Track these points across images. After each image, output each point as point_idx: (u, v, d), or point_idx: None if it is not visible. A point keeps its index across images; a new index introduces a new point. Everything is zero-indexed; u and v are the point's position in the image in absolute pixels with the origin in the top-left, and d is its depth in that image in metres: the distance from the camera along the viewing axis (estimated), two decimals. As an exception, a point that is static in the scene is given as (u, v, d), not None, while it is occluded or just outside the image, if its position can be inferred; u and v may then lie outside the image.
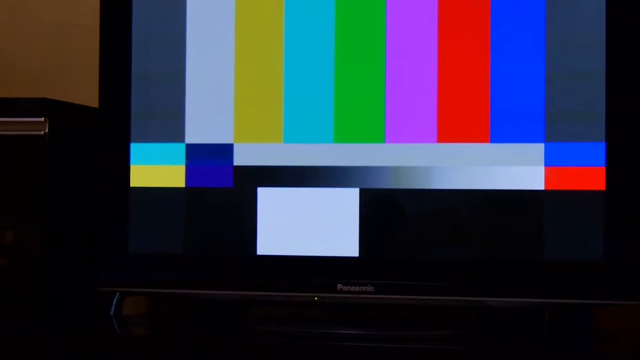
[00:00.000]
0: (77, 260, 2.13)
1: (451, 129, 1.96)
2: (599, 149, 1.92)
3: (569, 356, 1.87)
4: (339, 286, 1.98)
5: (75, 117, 2.15)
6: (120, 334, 2.11)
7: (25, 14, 2.49)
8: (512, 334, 2.06)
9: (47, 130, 1.99)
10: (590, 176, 1.92)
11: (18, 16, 2.49)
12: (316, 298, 2.00)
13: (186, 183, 2.04)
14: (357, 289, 1.97)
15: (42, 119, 1.99)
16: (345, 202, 1.99)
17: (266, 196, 2.01)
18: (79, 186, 2.13)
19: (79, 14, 2.46)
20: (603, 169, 1.92)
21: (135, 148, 2.05)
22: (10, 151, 2.01)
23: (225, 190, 2.03)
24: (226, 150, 2.03)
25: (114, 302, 2.21)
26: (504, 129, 1.94)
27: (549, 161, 1.93)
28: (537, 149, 1.93)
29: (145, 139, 2.05)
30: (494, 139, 1.95)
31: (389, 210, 1.99)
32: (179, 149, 2.04)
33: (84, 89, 2.38)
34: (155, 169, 2.05)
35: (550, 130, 1.93)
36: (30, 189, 2.01)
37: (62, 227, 2.08)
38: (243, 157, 2.02)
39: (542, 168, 1.93)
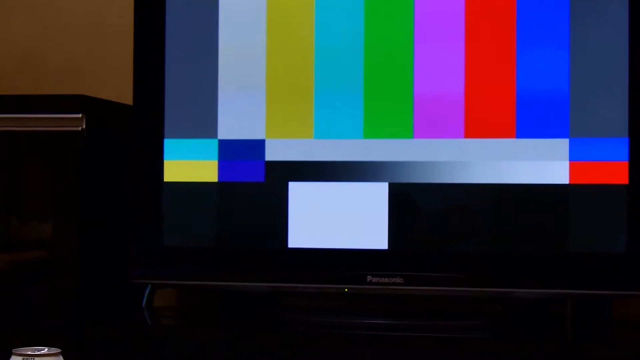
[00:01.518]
0: (112, 253, 2.18)
1: (478, 124, 2.01)
2: (622, 145, 1.97)
3: (591, 345, 1.92)
4: (369, 278, 2.03)
5: (110, 114, 2.20)
6: (155, 324, 2.16)
7: (56, 14, 2.54)
8: (536, 324, 2.12)
9: (84, 126, 2.04)
10: (614, 170, 1.97)
11: (49, 16, 2.54)
12: (346, 289, 2.05)
13: (219, 178, 2.09)
14: (386, 280, 2.03)
15: (80, 115, 2.04)
16: (374, 196, 2.04)
17: (297, 190, 2.07)
18: (114, 181, 2.18)
19: (109, 14, 2.51)
20: (626, 164, 1.97)
21: (169, 144, 2.11)
22: (48, 146, 2.06)
23: (257, 184, 2.09)
24: (258, 145, 2.08)
25: (146, 295, 2.26)
26: (529, 125, 2.00)
27: (574, 156, 1.98)
28: (562, 145, 1.98)
29: (179, 135, 2.11)
30: (520, 135, 2.00)
31: (417, 204, 2.05)
32: (212, 145, 2.10)
33: (113, 87, 2.43)
34: (188, 164, 2.10)
35: (575, 126, 1.98)
36: (68, 183, 2.06)
37: (98, 221, 2.13)
38: (274, 152, 2.07)
39: (567, 163, 1.98)
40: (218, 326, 2.06)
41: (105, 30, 2.51)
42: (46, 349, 1.20)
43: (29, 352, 1.18)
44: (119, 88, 2.39)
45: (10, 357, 1.19)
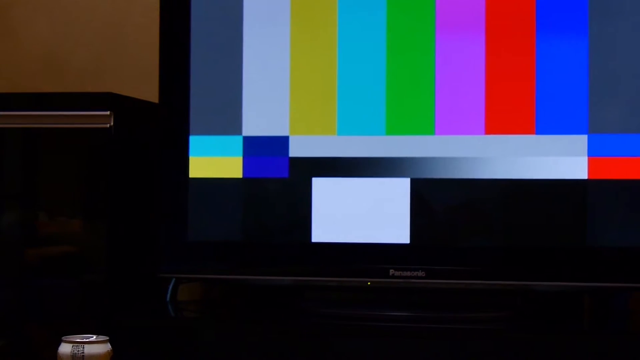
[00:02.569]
0: (138, 247, 2.23)
1: (498, 121, 2.06)
2: (640, 140, 2.02)
3: (608, 336, 1.97)
4: (391, 271, 2.07)
5: (137, 111, 2.25)
6: (181, 317, 2.21)
7: (78, 15, 2.58)
8: (554, 316, 2.16)
9: (112, 123, 2.08)
10: (632, 166, 2.02)
11: (72, 17, 2.59)
12: (369, 283, 2.09)
13: (243, 174, 2.14)
14: (408, 273, 2.07)
15: (108, 112, 2.08)
16: (396, 192, 2.08)
17: (320, 186, 2.11)
18: (140, 177, 2.23)
19: (131, 13, 2.55)
20: (644, 159, 2.02)
21: (194, 141, 2.15)
22: (77, 143, 2.11)
23: (281, 180, 2.13)
24: (282, 142, 2.13)
25: (170, 289, 2.30)
26: (548, 121, 2.04)
27: (592, 152, 2.03)
28: (581, 141, 2.03)
29: (204, 131, 2.15)
30: (539, 131, 2.04)
31: (438, 199, 2.09)
32: (237, 142, 2.14)
33: (135, 85, 2.47)
34: (213, 160, 2.15)
35: (594, 122, 2.03)
36: (96, 179, 2.10)
37: (125, 216, 2.18)
38: (298, 148, 2.12)
39: (586, 158, 2.03)
40: (242, 318, 2.10)
41: (128, 30, 2.56)
42: (94, 337, 1.24)
43: (78, 340, 1.23)
44: (141, 86, 2.43)
45: (59, 345, 1.23)
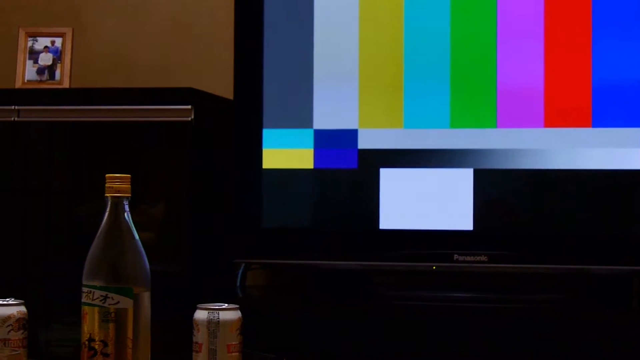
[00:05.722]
0: (214, 234, 2.36)
1: (557, 115, 2.19)
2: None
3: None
4: (455, 256, 2.20)
5: (214, 106, 2.37)
6: (260, 300, 2.34)
7: (146, 16, 2.71)
8: (606, 298, 2.29)
9: (193, 117, 2.21)
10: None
11: (140, 16, 2.72)
12: (434, 267, 2.22)
13: (314, 165, 2.27)
14: (471, 258, 2.20)
15: (189, 106, 2.21)
16: (460, 181, 2.21)
17: (388, 176, 2.24)
18: (218, 167, 2.36)
19: (198, 13, 2.68)
20: (695, 150, 2.15)
21: (267, 133, 2.28)
22: (160, 135, 2.24)
23: (350, 171, 2.26)
24: (351, 135, 2.26)
25: (239, 274, 2.42)
26: (604, 115, 2.17)
27: (647, 143, 2.16)
28: (636, 133, 2.16)
29: (276, 125, 2.28)
30: (596, 124, 2.17)
31: (500, 189, 2.22)
32: (308, 135, 2.27)
33: (202, 83, 2.60)
34: (285, 152, 2.28)
35: (648, 115, 2.17)
36: (178, 170, 2.23)
37: (204, 204, 2.30)
38: (367, 141, 2.25)
39: (640, 149, 2.17)
40: (314, 301, 2.23)
41: (194, 30, 2.68)
42: (225, 305, 1.37)
43: (213, 307, 1.35)
44: (208, 83, 2.55)
45: (195, 311, 1.35)
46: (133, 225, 1.29)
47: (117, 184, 1.28)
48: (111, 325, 1.24)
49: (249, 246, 2.29)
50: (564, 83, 2.18)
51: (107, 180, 1.28)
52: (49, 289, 2.31)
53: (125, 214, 1.28)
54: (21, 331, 1.40)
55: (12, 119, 2.28)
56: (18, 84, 2.41)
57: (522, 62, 2.20)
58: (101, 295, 1.24)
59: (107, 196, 1.28)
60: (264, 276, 2.55)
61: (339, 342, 2.13)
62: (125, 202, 1.29)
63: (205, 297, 2.24)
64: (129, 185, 1.28)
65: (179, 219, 2.23)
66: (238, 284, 2.42)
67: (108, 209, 1.28)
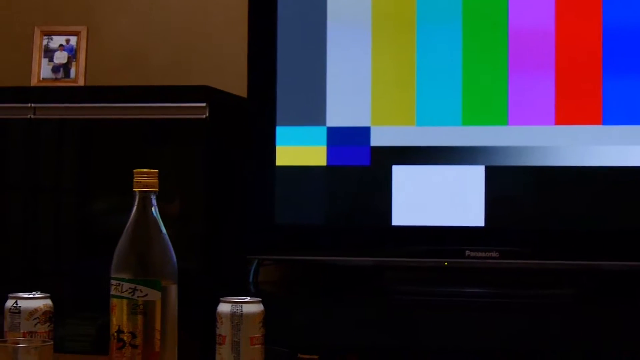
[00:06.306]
0: (228, 231, 2.38)
1: (567, 112, 2.21)
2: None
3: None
4: (467, 252, 2.23)
5: (228, 103, 2.40)
6: (274, 294, 2.36)
7: (158, 14, 2.74)
8: (615, 294, 2.32)
9: (207, 115, 2.24)
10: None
11: (152, 15, 2.74)
12: (446, 263, 2.25)
13: (327, 162, 2.29)
14: (483, 254, 2.22)
15: (204, 104, 2.24)
16: (472, 178, 2.24)
17: (400, 173, 2.27)
18: (232, 164, 2.39)
19: (210, 12, 2.70)
20: None
21: (281, 131, 2.31)
22: (175, 133, 2.26)
23: (362, 168, 2.28)
24: (364, 132, 2.28)
25: (252, 270, 2.45)
26: (614, 112, 2.20)
27: (656, 141, 2.19)
28: (646, 130, 2.19)
29: (290, 123, 2.31)
30: (606, 122, 2.20)
31: (511, 185, 2.25)
32: (321, 132, 2.29)
33: (214, 80, 2.62)
34: (298, 149, 2.30)
35: (657, 113, 2.20)
36: (192, 167, 2.26)
37: (219, 201, 2.33)
38: (379, 138, 2.27)
39: (650, 147, 2.19)
40: (327, 297, 2.26)
41: (207, 28, 2.71)
42: (248, 298, 1.39)
43: (236, 300, 1.38)
44: (219, 81, 2.57)
45: (218, 304, 1.38)
46: (160, 220, 1.31)
47: (145, 178, 1.30)
48: (139, 317, 1.27)
49: (262, 242, 2.32)
50: (574, 81, 2.21)
51: (135, 175, 1.31)
52: (61, 286, 2.34)
53: (153, 208, 1.31)
54: (47, 324, 1.43)
55: (29, 116, 2.31)
56: (33, 82, 2.43)
57: (533, 60, 2.22)
58: (130, 288, 1.26)
59: (135, 191, 1.31)
60: (276, 272, 2.57)
61: (352, 337, 2.16)
62: (153, 197, 1.31)
63: (218, 293, 2.27)
64: (157, 180, 1.31)
65: (193, 215, 2.26)
66: (251, 279, 2.45)
67: (136, 204, 1.31)
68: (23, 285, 2.27)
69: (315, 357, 2.16)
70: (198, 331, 2.15)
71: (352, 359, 2.19)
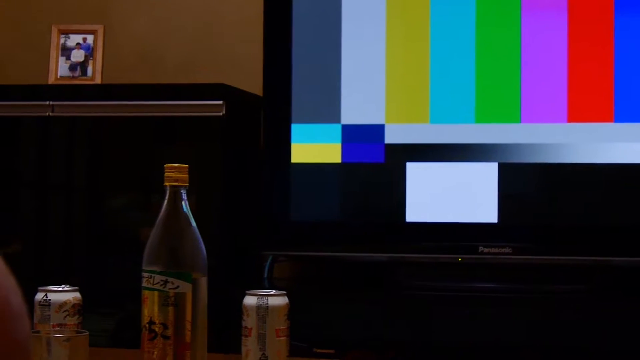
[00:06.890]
0: (245, 226, 2.41)
1: (580, 110, 2.24)
2: None
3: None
4: (480, 248, 2.26)
5: (244, 101, 2.43)
6: (290, 289, 2.39)
7: (173, 14, 2.77)
8: (628, 290, 2.35)
9: (224, 112, 2.27)
10: None
11: (167, 14, 2.77)
12: (460, 259, 2.28)
13: (342, 159, 2.32)
14: (496, 250, 2.25)
15: (221, 102, 2.27)
16: (485, 175, 2.27)
17: (414, 170, 2.30)
18: (247, 161, 2.42)
19: (224, 12, 2.73)
20: None
21: (296, 128, 2.34)
22: (191, 130, 2.29)
23: (377, 165, 2.31)
24: (378, 130, 2.31)
25: (267, 266, 2.48)
26: (626, 110, 2.23)
27: (668, 138, 2.22)
28: (657, 127, 2.22)
29: (305, 120, 2.34)
30: (618, 119, 2.23)
31: (524, 182, 2.28)
32: (336, 129, 2.32)
33: (227, 79, 2.65)
34: (313, 147, 2.33)
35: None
36: (209, 164, 2.29)
37: (236, 197, 2.36)
38: (393, 135, 2.30)
39: (661, 144, 2.22)
40: (342, 292, 2.29)
41: (222, 27, 2.74)
42: (273, 291, 1.42)
43: (262, 293, 1.40)
44: (235, 80, 2.60)
45: (244, 297, 1.41)
46: (190, 213, 1.34)
47: (176, 173, 1.33)
48: (171, 309, 1.29)
49: (277, 238, 2.35)
50: (586, 79, 2.24)
51: (165, 170, 1.34)
52: (81, 281, 2.36)
53: (183, 202, 1.34)
54: (76, 316, 1.46)
55: (47, 114, 2.34)
56: (51, 80, 2.46)
57: (546, 58, 2.25)
58: (161, 280, 1.29)
59: (165, 185, 1.34)
60: (290, 268, 2.60)
61: (367, 332, 2.18)
62: (183, 191, 1.34)
63: (232, 289, 2.30)
64: (187, 175, 1.34)
65: (209, 212, 2.29)
66: (266, 275, 2.48)
67: (167, 198, 1.34)
68: (40, 282, 2.32)
69: (331, 351, 2.19)
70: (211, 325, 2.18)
71: (367, 354, 2.22)
